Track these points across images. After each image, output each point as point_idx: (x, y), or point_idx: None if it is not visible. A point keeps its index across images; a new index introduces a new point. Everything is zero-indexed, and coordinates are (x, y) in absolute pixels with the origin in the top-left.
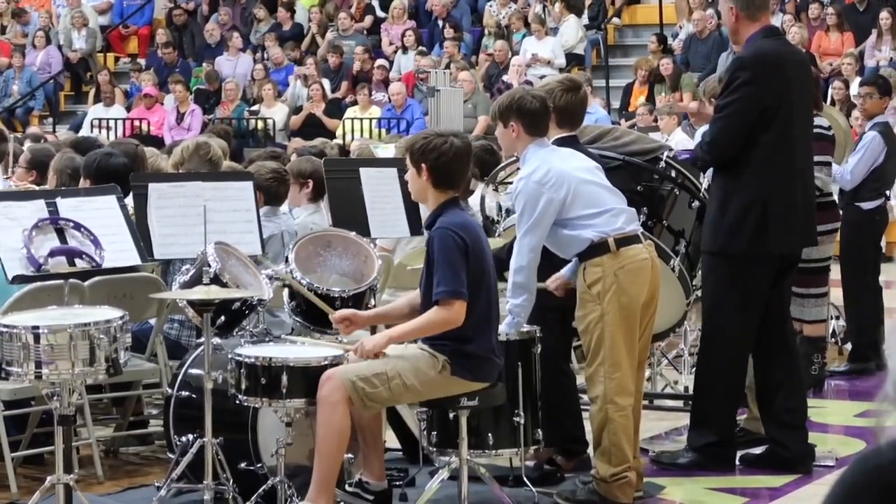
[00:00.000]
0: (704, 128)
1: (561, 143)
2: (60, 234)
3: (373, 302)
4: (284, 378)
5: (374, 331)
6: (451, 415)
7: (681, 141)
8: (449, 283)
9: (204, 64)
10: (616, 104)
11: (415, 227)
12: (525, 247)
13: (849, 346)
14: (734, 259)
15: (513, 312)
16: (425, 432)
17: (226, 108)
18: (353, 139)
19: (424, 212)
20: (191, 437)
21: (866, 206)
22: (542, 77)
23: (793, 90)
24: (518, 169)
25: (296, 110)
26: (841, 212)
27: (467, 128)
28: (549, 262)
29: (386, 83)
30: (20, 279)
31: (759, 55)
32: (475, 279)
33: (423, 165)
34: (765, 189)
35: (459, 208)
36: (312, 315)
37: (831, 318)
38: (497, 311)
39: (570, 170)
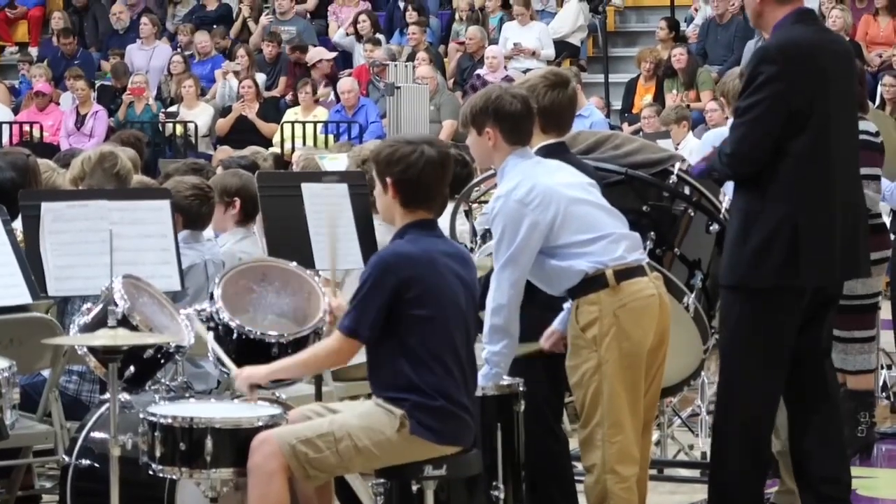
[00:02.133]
0: (717, 132)
1: (547, 152)
2: None
3: (325, 305)
4: (209, 443)
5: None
6: (415, 487)
7: (696, 149)
8: (351, 317)
9: (110, 55)
10: (617, 104)
11: (369, 256)
12: (504, 281)
13: None
14: (758, 294)
15: (490, 362)
16: None
17: (137, 110)
18: (293, 148)
19: (384, 237)
20: None
21: None
22: (525, 71)
23: (830, 88)
24: (495, 185)
25: (223, 112)
26: (893, 237)
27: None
28: (532, 300)
29: (334, 79)
30: None
31: (788, 45)
32: (418, 316)
33: (387, 180)
34: (795, 209)
35: (429, 233)
36: (245, 364)
37: (881, 368)
38: (471, 359)
39: (559, 186)
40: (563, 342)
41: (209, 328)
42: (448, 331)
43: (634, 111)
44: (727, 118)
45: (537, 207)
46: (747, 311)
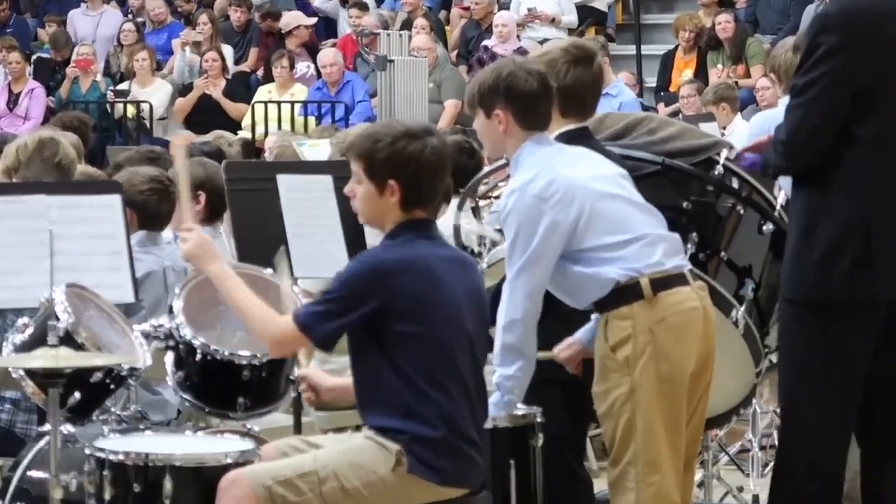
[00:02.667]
0: (769, 114)
1: (569, 138)
2: None
3: (296, 371)
4: (168, 483)
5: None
6: None
7: (745, 135)
8: (313, 313)
9: (47, 22)
10: (651, 81)
11: None
12: (519, 291)
13: None
14: (824, 310)
15: (502, 387)
16: None
17: (81, 87)
18: (266, 132)
19: (375, 239)
20: None
21: None
22: (542, 42)
23: None
24: (507, 178)
25: (183, 90)
26: None
27: (431, 119)
28: (552, 314)
29: (314, 50)
30: None
31: (852, 10)
32: (420, 338)
33: (391, 182)
34: (867, 207)
35: (427, 235)
36: (210, 390)
37: None
38: (480, 384)
39: (585, 178)
40: (581, 359)
41: (168, 347)
42: (449, 350)
43: (672, 89)
44: (781, 98)
45: (558, 203)
46: (811, 328)
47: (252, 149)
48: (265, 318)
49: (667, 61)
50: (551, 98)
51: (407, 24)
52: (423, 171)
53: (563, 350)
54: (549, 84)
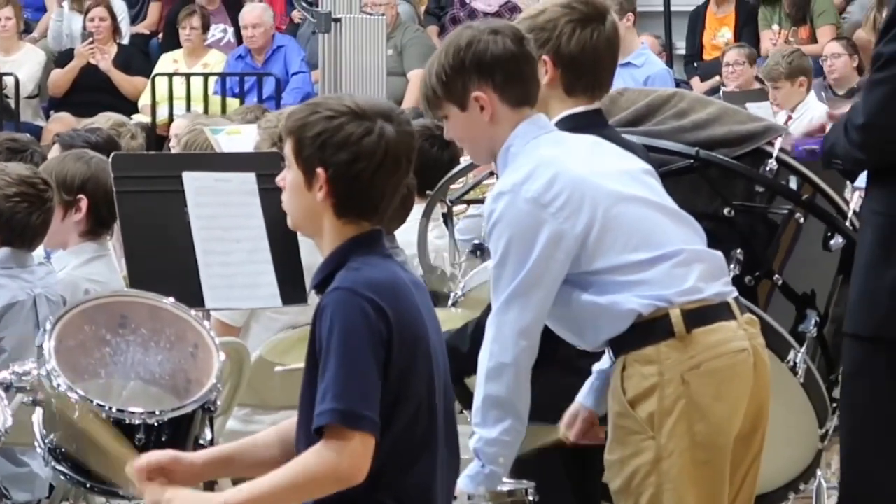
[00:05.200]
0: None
1: (575, 124)
2: None
3: (209, 434)
4: None
5: (210, 487)
6: None
7: (822, 116)
8: (343, 396)
9: None
10: (681, 48)
11: (291, 288)
12: (509, 327)
13: None
14: None
15: (482, 454)
16: None
17: None
18: (171, 115)
19: (313, 256)
20: None
21: None
22: None
23: None
24: (490, 175)
25: (59, 59)
26: None
27: (391, 96)
28: (549, 359)
29: (236, 6)
30: None
31: None
32: (401, 390)
33: (319, 171)
34: None
35: (381, 252)
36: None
37: None
38: (453, 448)
39: (597, 175)
40: (599, 428)
41: (36, 402)
42: (430, 402)
43: (705, 57)
44: (859, 70)
45: (562, 210)
46: (882, 373)
47: (153, 137)
48: (301, 472)
49: (695, 21)
50: (534, 59)
51: None
52: (362, 163)
53: (570, 426)
54: (526, 38)
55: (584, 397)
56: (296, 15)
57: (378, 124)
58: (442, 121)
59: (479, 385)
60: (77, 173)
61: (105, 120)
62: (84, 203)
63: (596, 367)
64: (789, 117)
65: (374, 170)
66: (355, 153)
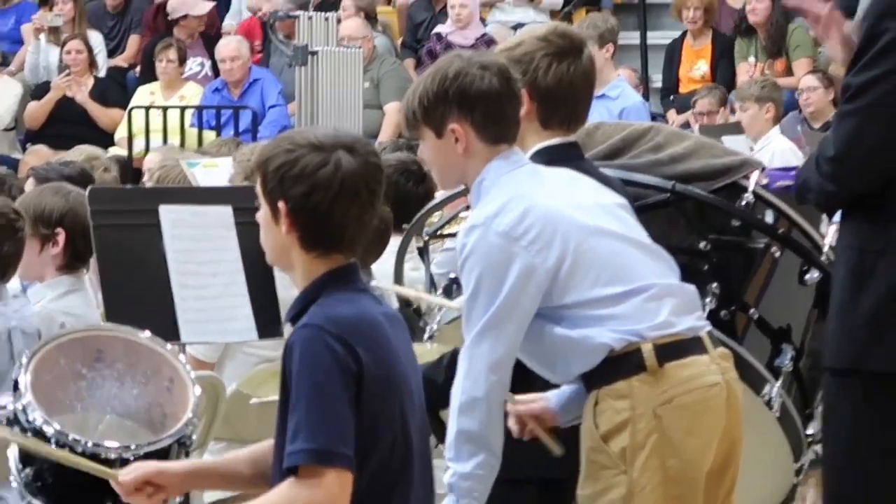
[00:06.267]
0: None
1: (550, 157)
2: None
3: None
4: None
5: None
6: None
7: (783, 153)
8: (314, 436)
9: None
10: (658, 80)
11: (267, 321)
12: (481, 361)
13: None
14: (879, 382)
15: (456, 490)
16: None
17: None
18: (147, 148)
19: (289, 290)
20: None
21: None
22: (515, 28)
23: None
24: (466, 209)
25: (36, 92)
26: None
27: (367, 129)
28: (525, 389)
29: (211, 38)
30: None
31: None
32: (374, 426)
33: (280, 204)
34: None
35: (355, 286)
36: (69, 494)
37: None
38: (429, 484)
39: (570, 209)
40: (540, 423)
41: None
42: (406, 437)
43: (682, 90)
44: (835, 102)
45: (534, 243)
46: (862, 406)
47: (129, 170)
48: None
49: (672, 54)
50: (518, 97)
51: (333, 5)
52: (318, 195)
53: (524, 403)
54: (513, 78)
55: (554, 393)
56: None
57: (335, 155)
58: (422, 139)
59: (452, 419)
60: (55, 207)
61: (79, 153)
62: (62, 237)
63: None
64: (751, 147)
65: (331, 201)
66: (311, 185)
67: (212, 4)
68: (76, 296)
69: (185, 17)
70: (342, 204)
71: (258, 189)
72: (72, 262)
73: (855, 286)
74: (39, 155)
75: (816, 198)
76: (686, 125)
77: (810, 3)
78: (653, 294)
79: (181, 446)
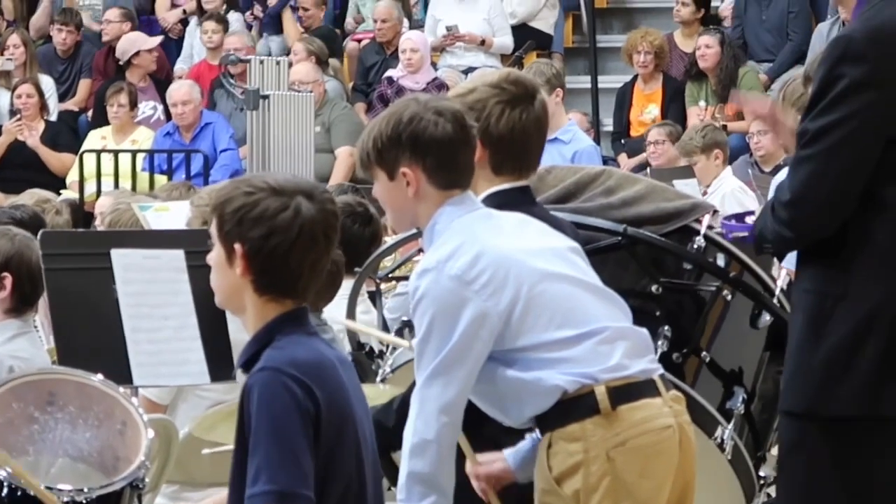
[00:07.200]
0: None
1: (502, 201)
2: None
3: None
4: None
5: None
6: None
7: (733, 193)
8: (276, 477)
9: None
10: (609, 124)
11: (219, 364)
12: (432, 404)
13: None
14: (835, 427)
15: None
16: None
17: None
18: (98, 192)
19: (241, 334)
20: None
21: None
22: (466, 72)
23: None
24: (418, 252)
25: None
26: None
27: (318, 172)
28: (474, 434)
29: (163, 83)
30: None
31: (881, 32)
32: (329, 469)
33: (236, 246)
34: (893, 294)
35: (306, 330)
36: None
37: None
38: None
39: (522, 253)
40: (499, 484)
41: None
42: (360, 482)
43: (633, 134)
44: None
45: (486, 287)
46: (819, 452)
47: (80, 213)
48: None
49: (623, 98)
50: (472, 144)
51: (286, 52)
52: (276, 238)
53: (482, 464)
54: (468, 125)
55: (511, 453)
56: None
57: (295, 201)
58: (375, 180)
59: (404, 461)
60: (1, 250)
61: (30, 196)
62: (8, 280)
63: (530, 435)
64: (704, 192)
65: (289, 246)
66: (270, 228)
67: (161, 38)
68: (24, 339)
69: (137, 54)
70: (299, 250)
71: (213, 230)
72: (19, 305)
73: (812, 331)
74: None
75: (774, 247)
76: (639, 168)
77: (753, 105)
78: (605, 337)
79: (134, 489)
